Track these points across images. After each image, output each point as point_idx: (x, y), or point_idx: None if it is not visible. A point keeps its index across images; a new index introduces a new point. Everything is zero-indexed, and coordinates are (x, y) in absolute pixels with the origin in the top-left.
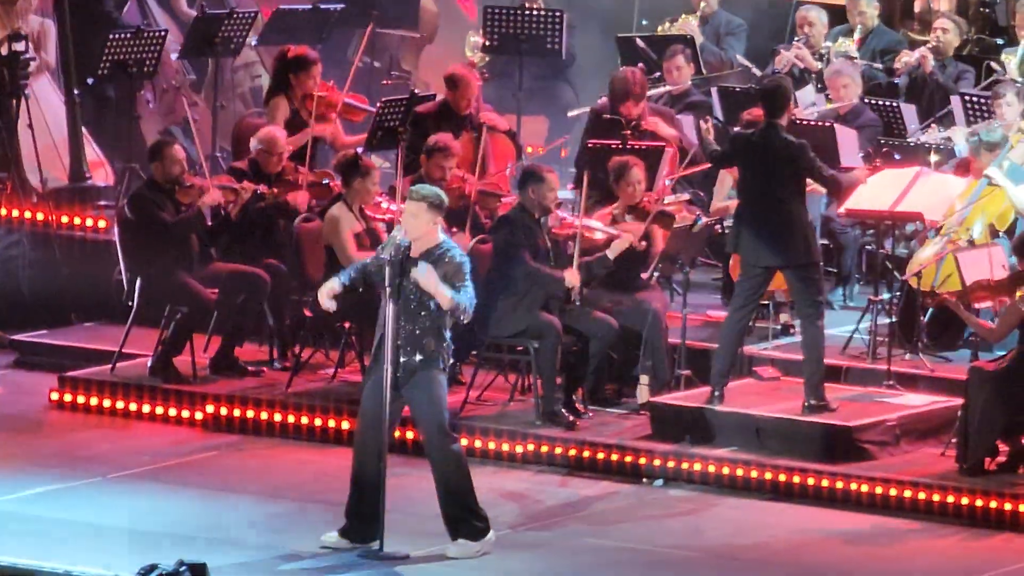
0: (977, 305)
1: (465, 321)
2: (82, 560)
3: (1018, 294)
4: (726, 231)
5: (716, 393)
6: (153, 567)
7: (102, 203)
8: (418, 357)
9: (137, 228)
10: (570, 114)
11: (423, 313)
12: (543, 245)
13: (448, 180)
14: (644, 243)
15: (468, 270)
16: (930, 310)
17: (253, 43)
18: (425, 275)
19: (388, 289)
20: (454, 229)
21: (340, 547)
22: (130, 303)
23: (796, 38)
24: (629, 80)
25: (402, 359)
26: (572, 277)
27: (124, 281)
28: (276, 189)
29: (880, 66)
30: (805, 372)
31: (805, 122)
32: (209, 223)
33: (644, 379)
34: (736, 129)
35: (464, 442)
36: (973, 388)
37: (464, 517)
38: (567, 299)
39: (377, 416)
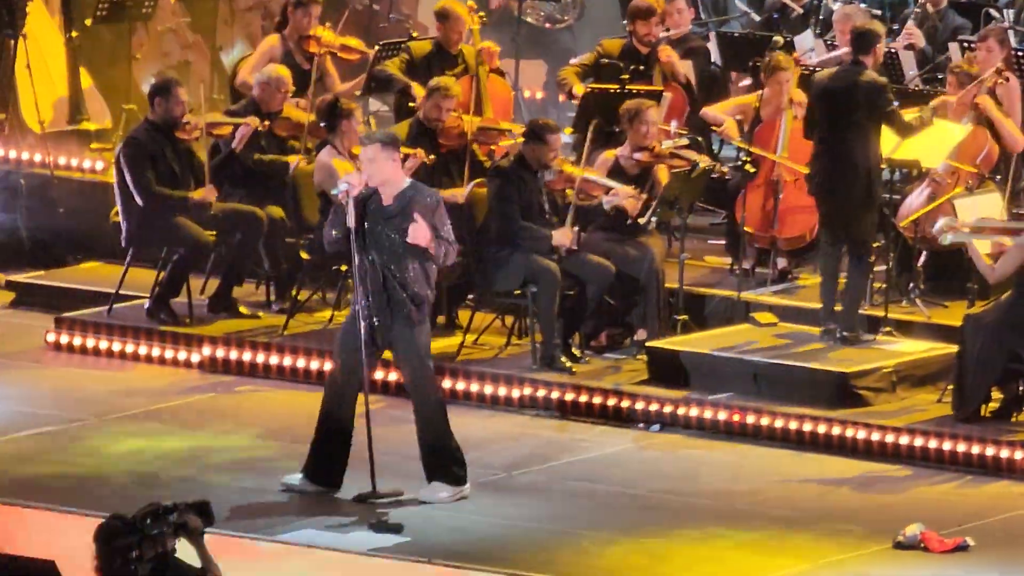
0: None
1: (447, 263)
2: (78, 501)
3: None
4: (727, 177)
5: (826, 329)
6: (155, 505)
7: (99, 145)
8: (402, 303)
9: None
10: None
11: (408, 259)
12: (537, 200)
13: (444, 121)
14: (644, 195)
15: (444, 208)
16: (923, 255)
17: None
18: (417, 233)
19: (354, 237)
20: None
21: (305, 489)
22: (128, 246)
23: None
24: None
25: (387, 305)
26: (562, 236)
27: (121, 223)
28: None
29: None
30: (843, 303)
31: (805, 68)
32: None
33: (641, 324)
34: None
35: (460, 386)
36: (968, 335)
37: (442, 463)
38: (557, 257)
39: (355, 359)
